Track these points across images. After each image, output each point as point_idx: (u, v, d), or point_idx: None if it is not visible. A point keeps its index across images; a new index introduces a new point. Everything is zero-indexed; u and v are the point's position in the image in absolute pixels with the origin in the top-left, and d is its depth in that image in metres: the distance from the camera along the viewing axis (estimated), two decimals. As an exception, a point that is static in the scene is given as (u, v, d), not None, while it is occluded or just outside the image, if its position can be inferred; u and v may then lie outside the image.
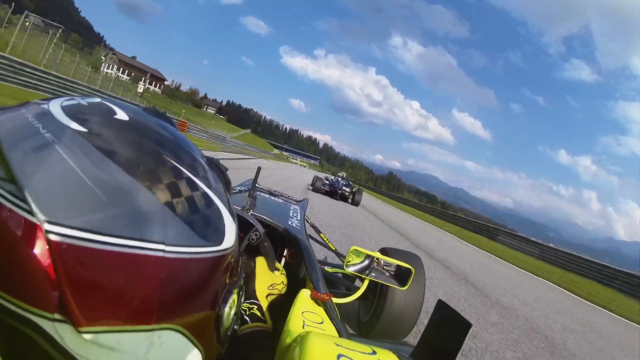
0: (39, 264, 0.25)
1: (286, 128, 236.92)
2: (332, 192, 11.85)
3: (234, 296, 0.41)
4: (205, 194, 0.34)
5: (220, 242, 0.34)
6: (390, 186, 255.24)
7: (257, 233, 0.91)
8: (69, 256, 0.25)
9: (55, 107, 0.31)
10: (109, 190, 0.28)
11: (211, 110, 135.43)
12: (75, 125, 0.30)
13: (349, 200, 11.67)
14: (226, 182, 0.41)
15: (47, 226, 0.25)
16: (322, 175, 16.85)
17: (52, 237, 0.25)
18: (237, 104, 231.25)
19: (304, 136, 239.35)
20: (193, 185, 0.33)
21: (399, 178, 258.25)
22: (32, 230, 0.25)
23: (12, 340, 0.26)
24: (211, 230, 0.34)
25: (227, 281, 0.39)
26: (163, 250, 0.29)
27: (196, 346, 0.33)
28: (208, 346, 0.35)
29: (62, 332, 0.26)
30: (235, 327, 0.44)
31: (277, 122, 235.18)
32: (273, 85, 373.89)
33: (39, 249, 0.25)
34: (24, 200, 0.25)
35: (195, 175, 0.34)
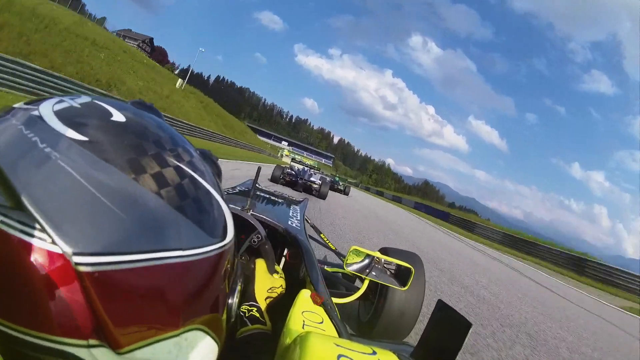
0: (69, 296, 0.24)
1: (291, 116, 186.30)
2: (293, 183, 10.36)
3: (239, 286, 0.44)
4: (207, 192, 0.35)
5: (225, 237, 0.36)
6: (427, 199, 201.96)
7: (259, 236, 0.93)
8: (102, 284, 0.25)
9: (47, 113, 0.30)
10: (124, 204, 0.27)
11: (130, 43, 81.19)
12: (74, 135, 0.29)
13: (314, 192, 10.32)
14: (218, 173, 0.42)
15: (76, 258, 0.24)
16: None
17: (83, 268, 0.24)
18: (228, 80, 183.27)
19: (315, 128, 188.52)
20: (196, 184, 0.34)
21: (436, 190, 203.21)
22: (57, 262, 0.24)
23: None
24: (217, 226, 0.35)
25: (232, 272, 0.40)
26: (181, 256, 0.30)
27: (214, 339, 0.35)
28: (221, 336, 0.37)
29: (99, 357, 0.26)
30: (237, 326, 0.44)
31: (279, 108, 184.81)
32: (286, 83, 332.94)
33: (68, 280, 0.24)
34: (42, 230, 0.24)
35: (196, 173, 0.34)
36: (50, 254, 0.24)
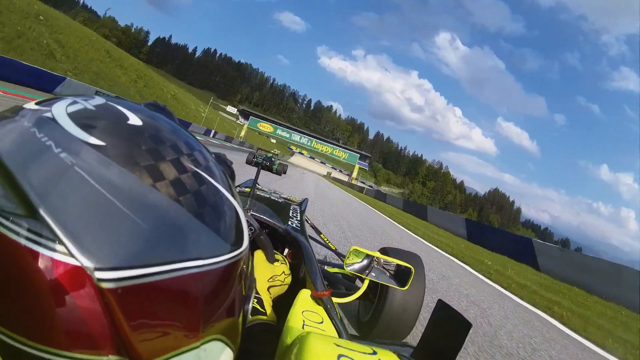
0: (87, 311, 0.24)
1: (309, 100, 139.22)
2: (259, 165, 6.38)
3: (254, 292, 0.45)
4: (225, 198, 0.35)
5: (242, 244, 0.36)
6: (503, 216, 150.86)
7: (252, 227, 0.95)
8: (124, 299, 0.24)
9: (60, 115, 0.29)
10: (145, 213, 0.27)
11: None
12: (90, 139, 0.28)
13: (274, 171, 6.79)
14: (232, 177, 0.42)
15: (98, 274, 0.23)
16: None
17: (105, 284, 0.23)
18: (222, 54, 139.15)
19: (342, 117, 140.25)
20: (214, 190, 0.34)
21: (510, 200, 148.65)
22: (76, 277, 0.23)
23: None
24: (235, 234, 0.35)
25: (248, 278, 0.41)
26: (202, 265, 0.29)
27: (230, 347, 0.35)
28: (237, 342, 0.38)
29: None
30: None
31: (293, 90, 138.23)
32: (310, 87, 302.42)
33: (86, 295, 0.23)
34: (59, 242, 0.23)
35: (213, 178, 0.34)
36: (68, 268, 0.23)
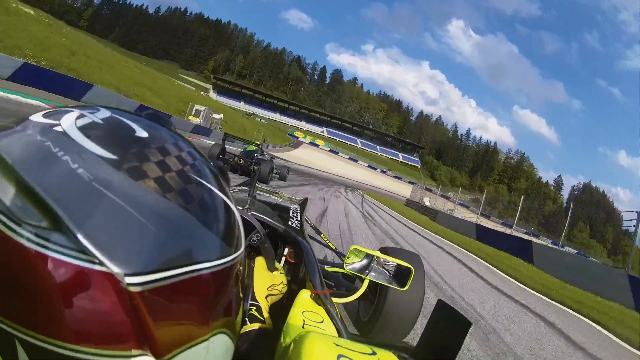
0: (116, 312, 0.26)
1: (322, 68, 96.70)
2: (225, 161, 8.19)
3: (250, 291, 0.48)
4: (225, 204, 0.38)
5: (240, 247, 0.39)
6: (615, 227, 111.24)
7: (258, 234, 0.97)
8: (150, 300, 0.28)
9: (71, 129, 0.31)
10: (160, 222, 0.30)
11: None
12: (103, 153, 0.30)
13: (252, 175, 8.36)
14: (227, 182, 0.45)
15: (127, 279, 0.26)
16: None
17: (134, 288, 0.27)
18: (192, 12, 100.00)
19: (372, 93, 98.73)
20: (216, 198, 0.37)
21: (610, 200, 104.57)
22: (105, 282, 0.26)
23: None
24: (235, 238, 0.38)
25: (244, 277, 0.44)
26: (210, 267, 0.33)
27: (232, 340, 0.39)
28: (237, 337, 0.41)
29: None
30: None
31: (296, 56, 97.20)
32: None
33: (115, 298, 0.26)
34: (83, 251, 0.25)
35: (214, 187, 0.37)
36: (95, 274, 0.26)
